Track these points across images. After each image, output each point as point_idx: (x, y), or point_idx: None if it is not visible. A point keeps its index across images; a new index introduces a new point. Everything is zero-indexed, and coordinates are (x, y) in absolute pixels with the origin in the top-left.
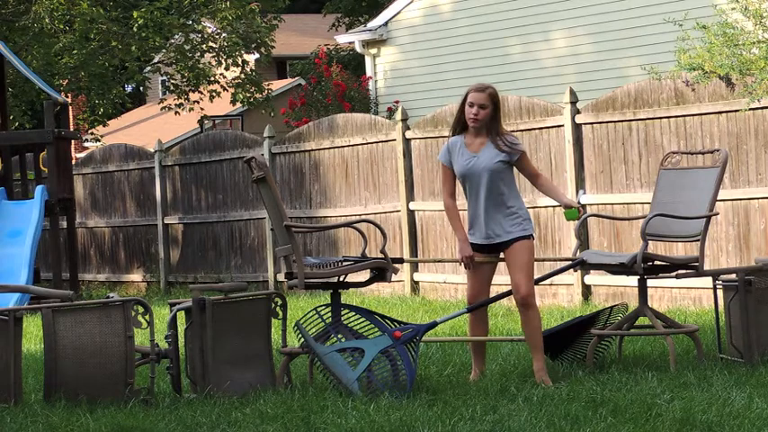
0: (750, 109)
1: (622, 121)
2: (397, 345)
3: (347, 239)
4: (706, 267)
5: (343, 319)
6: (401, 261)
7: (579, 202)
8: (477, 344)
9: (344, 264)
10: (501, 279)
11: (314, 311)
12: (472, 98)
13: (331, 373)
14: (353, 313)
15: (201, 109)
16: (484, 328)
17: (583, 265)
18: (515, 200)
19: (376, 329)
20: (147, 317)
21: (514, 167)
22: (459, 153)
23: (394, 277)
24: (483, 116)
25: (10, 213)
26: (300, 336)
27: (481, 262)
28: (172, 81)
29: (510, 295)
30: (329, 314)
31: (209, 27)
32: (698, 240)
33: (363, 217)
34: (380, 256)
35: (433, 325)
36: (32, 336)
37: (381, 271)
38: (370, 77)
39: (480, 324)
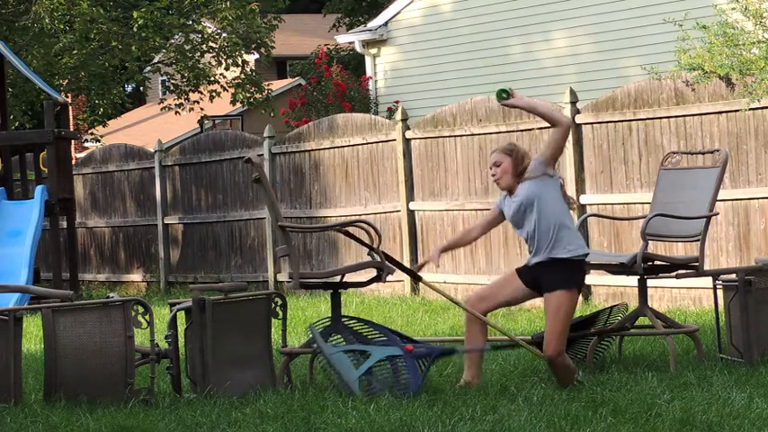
0: (750, 109)
1: (622, 121)
2: (406, 356)
3: (347, 239)
4: (706, 267)
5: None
6: (418, 278)
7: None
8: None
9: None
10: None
11: (328, 319)
12: (490, 161)
13: (335, 372)
14: (361, 325)
15: (201, 109)
16: (482, 338)
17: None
18: (564, 230)
19: (379, 334)
20: (147, 317)
21: (562, 188)
22: (506, 203)
23: (394, 277)
24: (502, 173)
25: (10, 213)
26: (311, 334)
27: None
28: (172, 81)
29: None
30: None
31: (209, 27)
32: (698, 240)
33: (358, 218)
34: (375, 254)
35: (451, 352)
36: (32, 336)
37: (378, 271)
38: (370, 77)
39: (479, 334)
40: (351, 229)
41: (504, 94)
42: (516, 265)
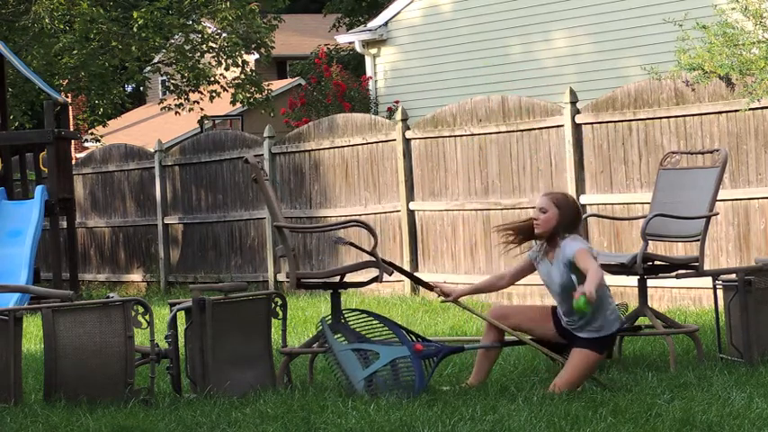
0: (750, 109)
1: (622, 121)
2: (414, 357)
3: (346, 238)
4: (706, 267)
5: (360, 323)
6: (430, 287)
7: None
8: (485, 352)
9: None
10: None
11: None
12: (537, 203)
13: (341, 370)
14: (369, 319)
15: (201, 109)
16: (497, 349)
17: None
18: (596, 314)
19: (382, 332)
20: (147, 317)
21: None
22: (541, 260)
23: (394, 277)
24: (543, 221)
25: (10, 213)
26: (320, 327)
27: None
28: (172, 81)
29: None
30: (354, 317)
31: (210, 27)
32: (698, 240)
33: (355, 218)
34: (372, 257)
35: (459, 350)
36: (32, 336)
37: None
38: (370, 77)
39: (496, 342)
40: (352, 229)
41: (584, 304)
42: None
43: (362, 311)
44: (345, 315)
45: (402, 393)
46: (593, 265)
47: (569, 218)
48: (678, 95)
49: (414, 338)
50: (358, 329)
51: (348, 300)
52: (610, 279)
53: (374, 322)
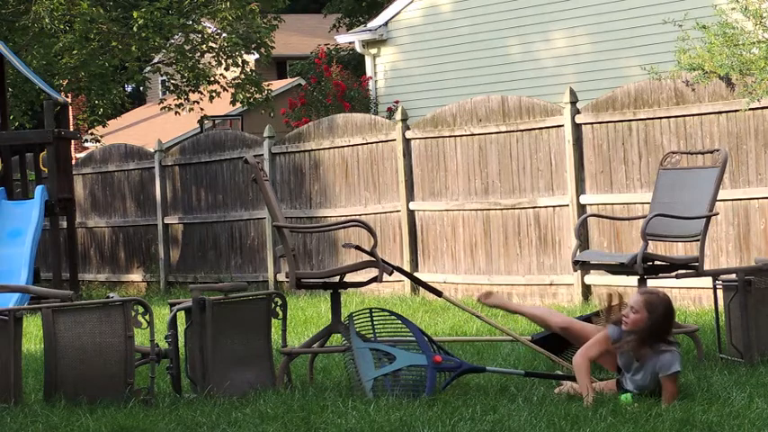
0: (750, 109)
1: (622, 121)
2: (431, 368)
3: (347, 239)
4: (706, 267)
5: (386, 324)
6: (438, 293)
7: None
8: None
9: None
10: (501, 279)
11: (368, 311)
12: (630, 299)
13: (355, 366)
14: (395, 322)
15: (201, 109)
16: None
17: (583, 265)
18: None
19: (403, 336)
20: (147, 317)
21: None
22: (624, 350)
23: (394, 277)
24: (632, 321)
25: (10, 213)
26: (347, 322)
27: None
28: (172, 81)
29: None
30: (380, 317)
31: (209, 27)
32: (698, 240)
33: (355, 218)
34: (371, 257)
35: (481, 370)
36: (32, 336)
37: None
38: (370, 77)
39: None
40: (352, 229)
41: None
42: (515, 265)
43: (392, 313)
44: (374, 313)
45: (402, 393)
46: (673, 396)
47: (660, 324)
48: (678, 95)
49: (435, 349)
50: (381, 330)
51: (348, 300)
52: (610, 279)
53: (399, 325)
